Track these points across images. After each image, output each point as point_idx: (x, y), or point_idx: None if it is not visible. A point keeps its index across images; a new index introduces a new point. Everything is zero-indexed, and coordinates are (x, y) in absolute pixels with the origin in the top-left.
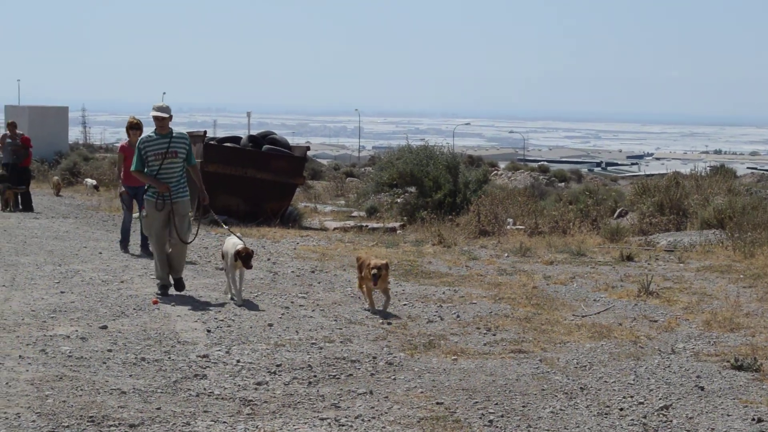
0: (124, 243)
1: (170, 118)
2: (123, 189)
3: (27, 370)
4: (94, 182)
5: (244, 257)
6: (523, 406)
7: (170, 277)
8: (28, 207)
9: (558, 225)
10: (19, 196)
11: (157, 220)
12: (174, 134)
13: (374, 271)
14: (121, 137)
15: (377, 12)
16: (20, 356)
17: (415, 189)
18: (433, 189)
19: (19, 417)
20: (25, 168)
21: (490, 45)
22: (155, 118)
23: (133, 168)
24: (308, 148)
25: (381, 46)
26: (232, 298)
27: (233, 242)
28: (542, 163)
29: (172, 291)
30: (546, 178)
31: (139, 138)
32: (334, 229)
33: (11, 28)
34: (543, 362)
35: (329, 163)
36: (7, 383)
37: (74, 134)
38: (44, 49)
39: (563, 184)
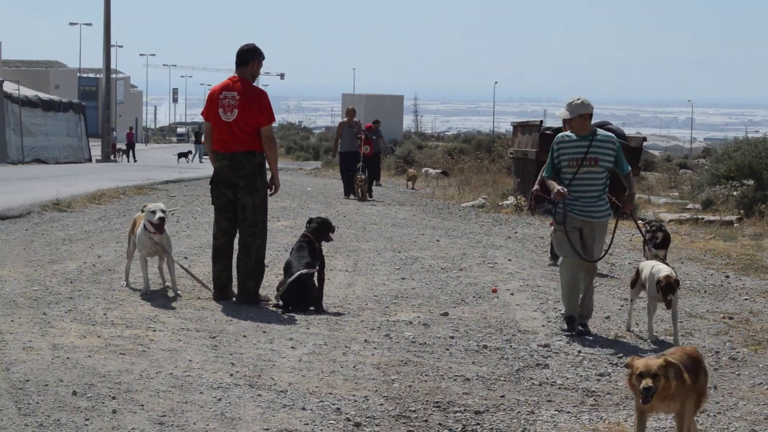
0: None
1: (585, 117)
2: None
3: (373, 354)
4: (439, 171)
5: (665, 287)
6: None
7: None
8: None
9: None
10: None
11: (565, 239)
12: (598, 136)
13: (645, 383)
14: (451, 126)
15: None
16: (365, 340)
17: (753, 182)
18: None
19: (367, 400)
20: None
21: None
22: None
23: (544, 173)
24: (644, 139)
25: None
26: (628, 329)
27: (659, 268)
28: None
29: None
30: None
31: (556, 137)
32: (669, 221)
33: (345, 17)
34: None
35: (661, 154)
36: (354, 366)
37: (406, 122)
38: (377, 37)
39: None
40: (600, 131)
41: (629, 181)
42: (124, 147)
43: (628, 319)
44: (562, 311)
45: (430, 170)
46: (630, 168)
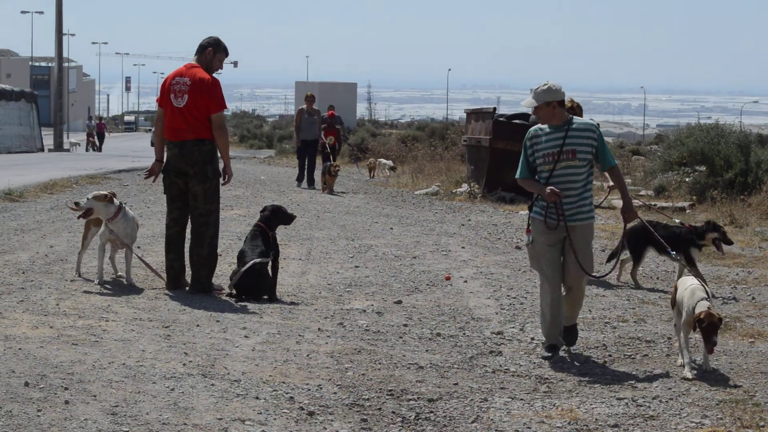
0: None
1: (553, 105)
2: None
3: (326, 343)
4: (390, 163)
5: (708, 328)
6: None
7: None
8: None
9: None
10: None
11: (545, 247)
12: (574, 124)
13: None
14: (405, 113)
15: None
16: (319, 329)
17: (705, 168)
18: (724, 168)
19: (321, 389)
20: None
21: None
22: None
23: (517, 175)
24: (598, 125)
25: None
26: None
27: (696, 293)
28: None
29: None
30: None
31: (529, 131)
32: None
33: (298, 3)
34: None
35: (614, 141)
36: (307, 355)
37: (360, 110)
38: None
39: None
40: (576, 119)
41: (617, 178)
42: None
43: (682, 351)
44: (542, 339)
45: (383, 160)
46: (615, 161)
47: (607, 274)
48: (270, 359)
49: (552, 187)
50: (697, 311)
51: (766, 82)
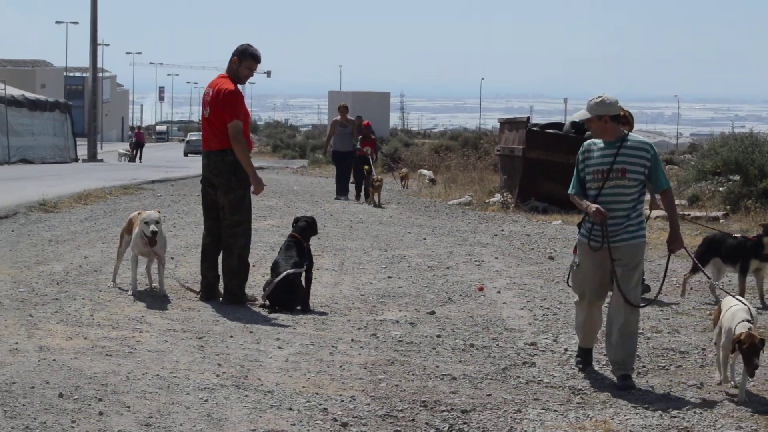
0: None
1: (605, 119)
2: None
3: (359, 354)
4: (431, 174)
5: (749, 350)
6: None
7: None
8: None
9: None
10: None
11: (590, 271)
12: (628, 141)
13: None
14: (438, 123)
15: None
16: (352, 340)
17: (739, 177)
18: (758, 177)
19: (354, 399)
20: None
21: None
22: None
23: (570, 189)
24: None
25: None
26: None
27: (738, 314)
28: None
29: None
30: None
31: (583, 144)
32: (656, 217)
33: (332, 14)
34: None
35: None
36: (341, 366)
37: (393, 120)
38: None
39: None
40: (632, 136)
41: (668, 202)
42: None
43: (722, 370)
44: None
45: (424, 171)
46: (668, 183)
47: (652, 301)
48: (303, 370)
49: (597, 206)
50: (737, 332)
51: None
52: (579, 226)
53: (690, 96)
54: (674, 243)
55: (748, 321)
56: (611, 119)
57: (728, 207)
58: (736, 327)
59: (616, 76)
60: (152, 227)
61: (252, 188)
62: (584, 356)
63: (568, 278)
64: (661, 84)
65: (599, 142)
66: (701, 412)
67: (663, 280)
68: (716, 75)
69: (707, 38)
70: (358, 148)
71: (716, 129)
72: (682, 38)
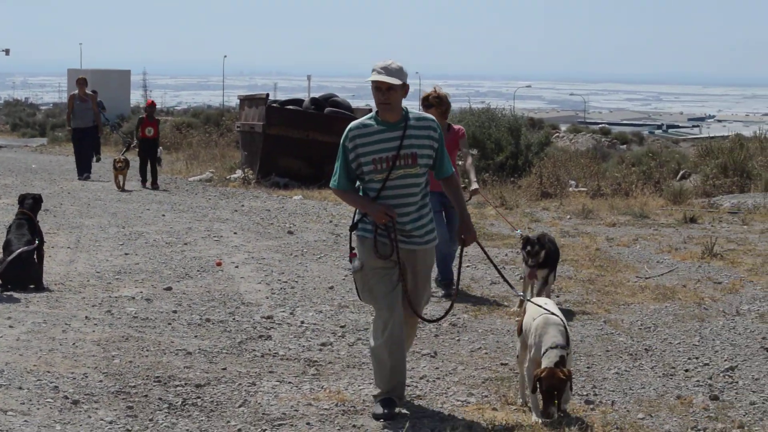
0: None
1: (405, 89)
2: None
3: (93, 331)
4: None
5: (548, 391)
6: (588, 367)
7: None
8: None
9: (620, 187)
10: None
11: (378, 276)
12: (411, 119)
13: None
14: (181, 100)
15: None
16: (86, 317)
17: (477, 151)
18: (495, 151)
19: (86, 377)
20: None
21: (549, 6)
22: (376, 86)
23: (333, 184)
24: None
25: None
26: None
27: (549, 330)
28: (603, 125)
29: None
30: (608, 140)
31: (349, 126)
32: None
33: None
34: (607, 323)
35: None
36: (74, 344)
37: (135, 97)
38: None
39: (625, 146)
40: (413, 111)
41: (455, 189)
42: None
43: (526, 395)
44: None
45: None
46: (452, 168)
47: (445, 315)
48: (35, 349)
49: (383, 205)
50: (543, 363)
51: (538, 67)
52: (351, 227)
53: (432, 73)
54: (468, 234)
55: (560, 347)
56: (400, 88)
57: (467, 180)
58: (545, 353)
59: (350, 54)
60: None
61: None
62: (389, 408)
63: (358, 291)
64: (403, 61)
65: (372, 123)
66: (434, 380)
67: (458, 282)
68: (458, 53)
69: (450, 17)
70: (138, 128)
71: (457, 104)
72: (418, 17)
